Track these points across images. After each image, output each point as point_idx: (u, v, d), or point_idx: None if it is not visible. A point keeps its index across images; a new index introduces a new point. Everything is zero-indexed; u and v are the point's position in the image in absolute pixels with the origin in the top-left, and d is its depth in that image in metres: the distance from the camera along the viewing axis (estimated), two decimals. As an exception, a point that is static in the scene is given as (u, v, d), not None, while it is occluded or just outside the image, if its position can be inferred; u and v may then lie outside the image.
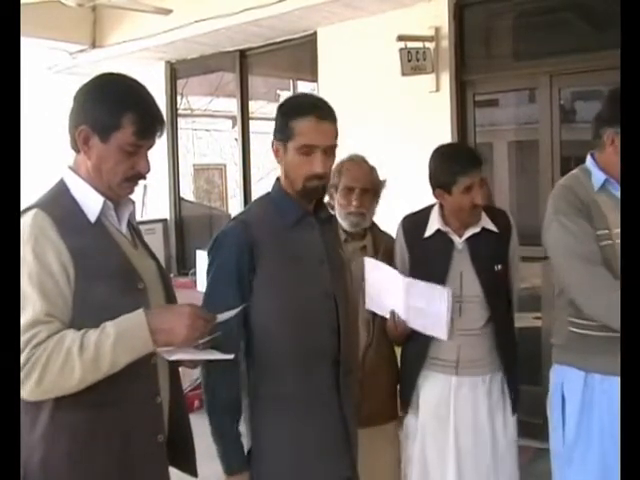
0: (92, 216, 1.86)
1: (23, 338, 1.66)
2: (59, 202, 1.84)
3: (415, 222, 2.92)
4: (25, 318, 1.68)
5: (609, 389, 2.58)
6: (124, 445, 1.84)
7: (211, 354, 1.90)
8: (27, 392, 1.68)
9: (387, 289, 2.76)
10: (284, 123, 2.16)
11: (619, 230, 2.40)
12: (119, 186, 1.90)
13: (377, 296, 2.81)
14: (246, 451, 2.22)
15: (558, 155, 4.73)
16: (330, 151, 2.19)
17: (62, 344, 1.69)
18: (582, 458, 2.67)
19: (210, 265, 2.24)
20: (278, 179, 2.28)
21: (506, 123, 6.02)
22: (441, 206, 2.88)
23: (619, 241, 2.40)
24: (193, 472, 2.13)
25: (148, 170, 1.92)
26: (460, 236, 2.83)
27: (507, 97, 5.79)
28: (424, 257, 2.81)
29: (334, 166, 2.96)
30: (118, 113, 1.83)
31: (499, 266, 2.83)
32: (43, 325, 1.69)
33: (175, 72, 7.24)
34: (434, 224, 2.85)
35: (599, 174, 2.56)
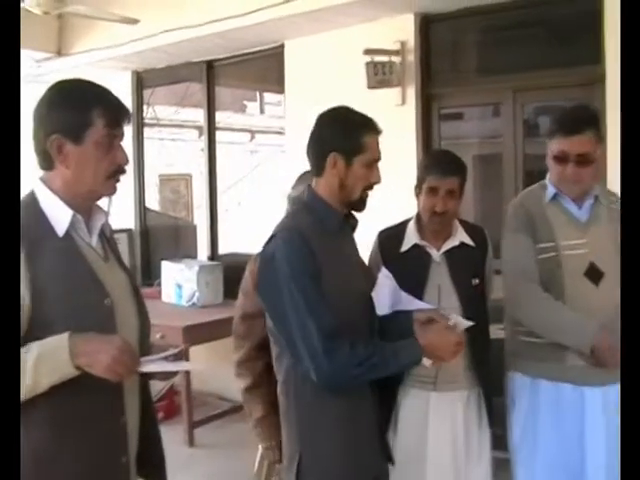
0: (60, 230, 1.84)
1: None
2: (26, 216, 1.81)
3: (391, 236, 2.93)
4: None
5: (554, 394, 2.71)
6: (86, 466, 1.81)
7: (181, 365, 1.90)
8: None
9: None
10: (355, 138, 2.23)
11: (568, 242, 2.65)
12: (103, 185, 1.90)
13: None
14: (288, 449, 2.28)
15: (521, 168, 4.80)
16: None
17: None
18: (527, 461, 2.80)
19: (282, 277, 2.11)
20: (311, 190, 2.30)
21: (471, 137, 6.08)
22: (417, 220, 2.91)
23: (567, 252, 2.72)
24: None
25: (127, 161, 1.93)
26: (438, 249, 2.85)
27: (472, 111, 5.86)
28: (401, 271, 2.74)
29: (307, 181, 2.93)
30: (86, 110, 1.84)
31: (476, 280, 2.86)
32: None
33: (142, 81, 7.21)
34: (411, 238, 2.87)
35: (550, 188, 2.82)
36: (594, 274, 2.71)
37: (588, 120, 2.74)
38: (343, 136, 2.23)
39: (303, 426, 2.22)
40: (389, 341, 2.20)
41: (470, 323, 2.27)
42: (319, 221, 2.24)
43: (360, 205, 2.30)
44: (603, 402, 2.70)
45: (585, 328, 2.66)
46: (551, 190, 2.81)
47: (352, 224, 2.37)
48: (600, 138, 2.76)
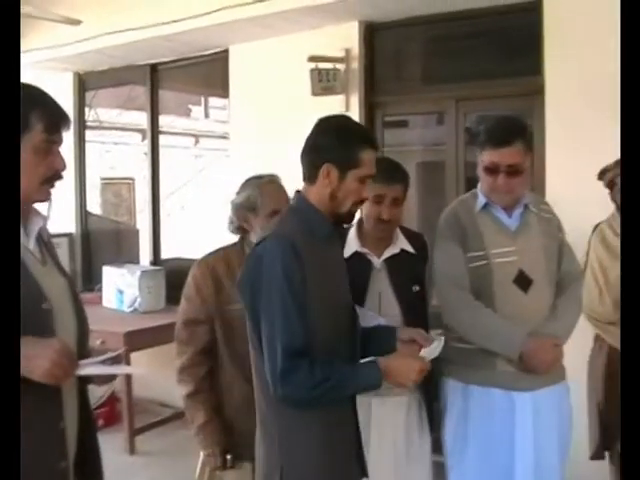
0: None
1: None
2: None
3: None
4: None
5: (485, 400, 2.77)
6: (25, 472, 1.75)
7: (120, 369, 1.89)
8: None
9: None
10: (352, 151, 2.17)
11: (498, 250, 2.78)
12: (38, 191, 1.86)
13: None
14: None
15: (463, 176, 4.88)
16: None
17: None
18: (459, 465, 2.85)
19: (265, 282, 2.09)
20: (301, 196, 2.25)
21: (415, 144, 6.16)
22: (358, 227, 2.93)
23: (497, 260, 2.78)
24: None
25: (64, 167, 1.89)
26: (378, 257, 2.88)
27: (416, 119, 5.93)
28: None
29: (251, 187, 2.90)
30: (24, 113, 1.80)
31: (417, 287, 2.90)
32: None
33: (83, 83, 7.11)
34: (352, 246, 2.89)
35: (481, 197, 2.88)
36: (523, 281, 2.77)
37: (517, 131, 2.78)
38: (340, 148, 2.17)
39: (284, 438, 2.15)
40: (371, 354, 2.16)
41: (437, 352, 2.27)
42: (308, 227, 2.19)
43: (348, 218, 2.27)
44: (533, 407, 2.75)
45: (513, 335, 2.72)
46: (482, 200, 2.87)
47: (340, 232, 2.33)
48: (530, 148, 2.82)
